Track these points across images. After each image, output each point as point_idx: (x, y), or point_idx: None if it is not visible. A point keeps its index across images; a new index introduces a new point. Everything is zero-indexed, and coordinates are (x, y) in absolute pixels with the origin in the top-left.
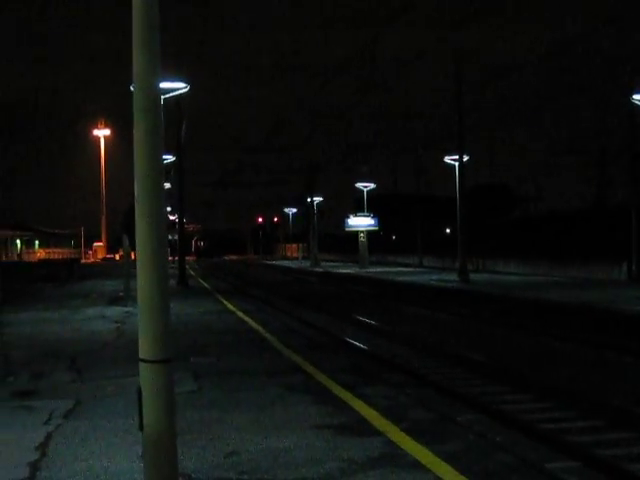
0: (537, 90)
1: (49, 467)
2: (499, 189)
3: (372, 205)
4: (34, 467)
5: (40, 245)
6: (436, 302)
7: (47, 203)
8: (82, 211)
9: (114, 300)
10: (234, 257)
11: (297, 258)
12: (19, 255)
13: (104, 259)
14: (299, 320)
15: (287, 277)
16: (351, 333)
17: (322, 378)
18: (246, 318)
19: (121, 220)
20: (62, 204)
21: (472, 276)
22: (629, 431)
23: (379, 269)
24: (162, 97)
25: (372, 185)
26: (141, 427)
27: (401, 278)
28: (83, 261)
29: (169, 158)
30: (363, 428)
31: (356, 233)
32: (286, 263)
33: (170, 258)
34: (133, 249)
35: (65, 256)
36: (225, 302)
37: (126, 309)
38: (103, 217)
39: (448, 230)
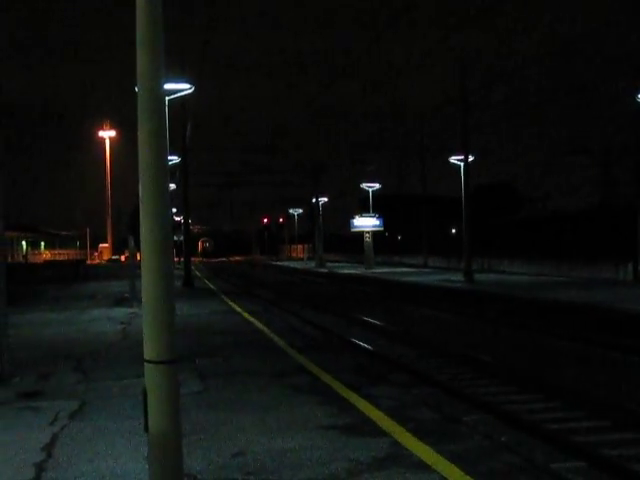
0: (540, 90)
1: (55, 468)
2: (504, 189)
3: (377, 205)
4: (40, 468)
5: (46, 246)
6: (441, 302)
7: (53, 204)
8: (88, 212)
9: (120, 301)
10: (239, 258)
11: (302, 259)
12: (25, 256)
13: (110, 260)
14: (304, 321)
15: (292, 278)
16: (356, 333)
17: (327, 379)
18: (251, 319)
19: (126, 221)
20: (68, 205)
21: (477, 276)
22: (635, 432)
23: (384, 269)
24: (167, 98)
25: (377, 185)
26: (146, 428)
27: (406, 278)
28: (89, 262)
29: (174, 159)
30: (369, 429)
31: (361, 234)
32: (291, 264)
33: (176, 259)
34: (139, 250)
35: (71, 257)
36: (230, 303)
37: (132, 310)
38: (108, 218)
39: (453, 230)
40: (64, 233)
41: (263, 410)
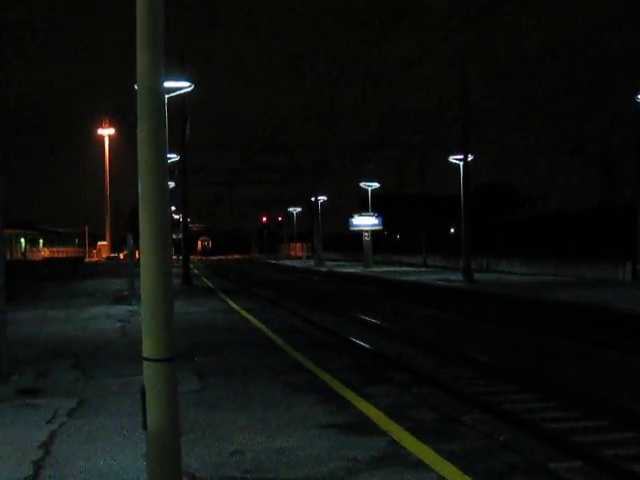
0: (541, 89)
1: (53, 465)
2: (503, 188)
3: (376, 204)
4: (38, 465)
5: (44, 244)
6: (440, 301)
7: (52, 202)
8: (86, 210)
9: (118, 299)
10: (237, 256)
11: (301, 257)
12: (23, 254)
13: (108, 258)
14: (303, 319)
15: (291, 276)
16: (355, 332)
17: (326, 377)
18: (250, 317)
19: (125, 219)
20: (67, 203)
21: (477, 276)
22: (634, 431)
23: (383, 268)
24: (166, 96)
25: (376, 184)
26: (145, 426)
27: (405, 277)
28: (87, 260)
29: (173, 157)
30: (367, 428)
31: (360, 232)
32: (290, 262)
33: (174, 257)
34: (137, 248)
35: (69, 255)
36: (229, 301)
37: (130, 308)
38: (107, 216)
39: (452, 230)
40: (63, 231)
41: (261, 408)
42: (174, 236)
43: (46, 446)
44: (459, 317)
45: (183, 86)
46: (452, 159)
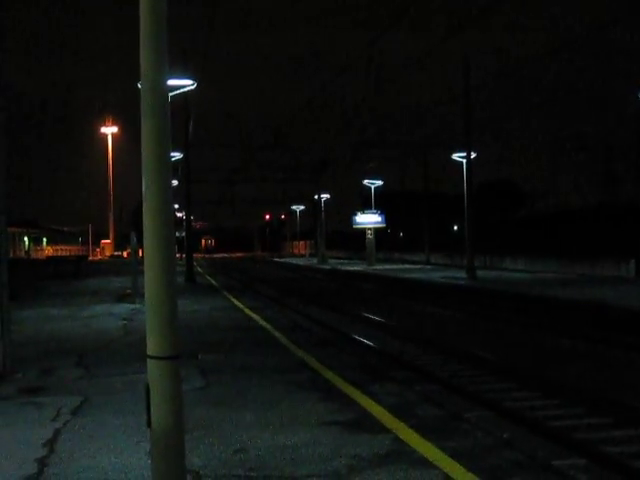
0: (542, 87)
1: (57, 463)
2: (506, 186)
3: (379, 202)
4: (42, 463)
5: (48, 242)
6: (443, 299)
7: (55, 200)
8: (90, 208)
9: (122, 297)
10: (240, 254)
11: (304, 255)
12: (27, 252)
13: (112, 256)
14: (306, 317)
15: (294, 274)
16: (358, 330)
17: (329, 375)
18: (253, 315)
19: (129, 217)
20: (70, 201)
21: (479, 273)
22: (637, 428)
23: (386, 266)
24: (169, 94)
25: (379, 182)
26: (149, 424)
27: (408, 275)
28: (91, 258)
29: (177, 155)
30: (371, 425)
31: (363, 230)
32: (293, 260)
33: (178, 255)
34: (141, 246)
35: (73, 253)
36: (232, 299)
37: (134, 306)
38: (111, 214)
39: (455, 227)
40: (66, 229)
41: (265, 406)
42: (177, 234)
43: (50, 444)
44: (462, 315)
45: (186, 84)
46: (455, 156)
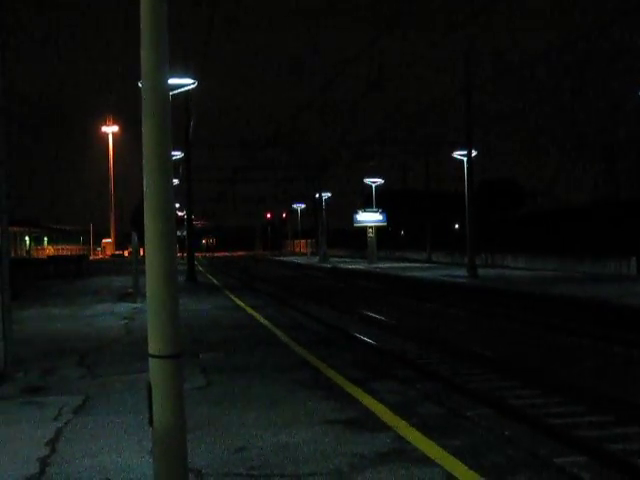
0: (543, 86)
1: (59, 463)
2: (507, 184)
3: (381, 201)
4: (44, 463)
5: (49, 242)
6: (445, 297)
7: (56, 200)
8: (91, 208)
9: (123, 296)
10: (242, 253)
11: (306, 254)
12: (28, 251)
13: (113, 256)
14: (308, 316)
15: (296, 273)
16: (360, 328)
17: (331, 373)
18: (255, 314)
19: (130, 217)
20: (71, 201)
21: (481, 271)
22: (639, 426)
23: (387, 265)
24: (170, 93)
25: (380, 181)
26: (151, 423)
27: (410, 273)
28: (92, 258)
29: (178, 154)
30: (372, 423)
31: (364, 229)
32: (295, 259)
33: (179, 254)
34: (142, 245)
35: (74, 253)
36: (234, 298)
37: (135, 305)
38: (112, 214)
39: (457, 225)
40: (67, 228)
41: (267, 405)
42: (179, 233)
43: (52, 443)
44: (463, 313)
45: (187, 83)
46: (456, 154)
